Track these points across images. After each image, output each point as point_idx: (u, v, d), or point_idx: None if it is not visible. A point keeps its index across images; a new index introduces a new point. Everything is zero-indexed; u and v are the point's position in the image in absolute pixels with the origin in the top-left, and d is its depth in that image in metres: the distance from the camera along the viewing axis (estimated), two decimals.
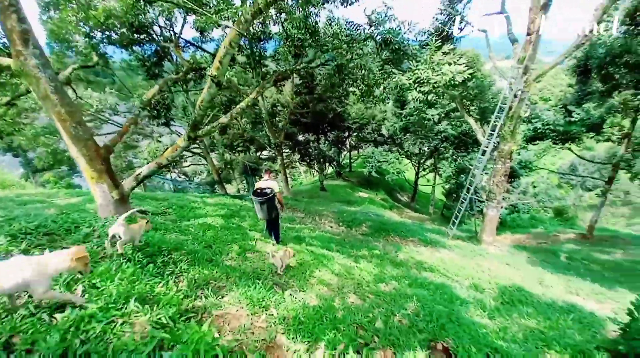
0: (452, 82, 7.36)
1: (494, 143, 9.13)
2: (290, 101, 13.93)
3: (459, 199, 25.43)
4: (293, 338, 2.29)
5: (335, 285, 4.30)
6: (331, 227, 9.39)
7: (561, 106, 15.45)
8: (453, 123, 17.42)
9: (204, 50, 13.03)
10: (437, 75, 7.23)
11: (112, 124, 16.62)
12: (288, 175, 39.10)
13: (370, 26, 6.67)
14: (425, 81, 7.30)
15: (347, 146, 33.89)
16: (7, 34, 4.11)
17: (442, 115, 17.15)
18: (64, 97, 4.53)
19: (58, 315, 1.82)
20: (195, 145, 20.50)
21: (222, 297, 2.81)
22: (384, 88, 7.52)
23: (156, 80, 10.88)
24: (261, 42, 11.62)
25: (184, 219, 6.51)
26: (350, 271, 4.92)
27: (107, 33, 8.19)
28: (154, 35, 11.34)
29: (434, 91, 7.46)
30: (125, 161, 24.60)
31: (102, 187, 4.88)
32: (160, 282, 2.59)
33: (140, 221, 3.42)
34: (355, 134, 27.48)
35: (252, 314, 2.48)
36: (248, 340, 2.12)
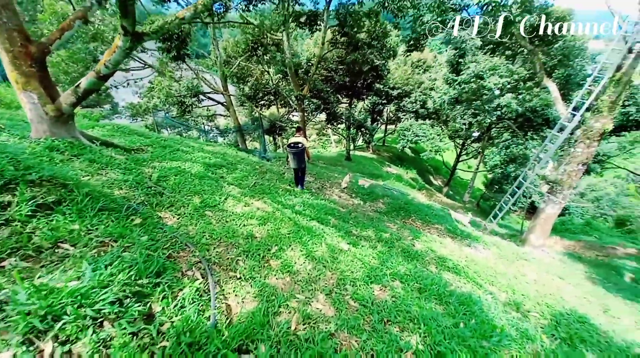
0: None
1: (579, 117, 6.56)
2: (321, 46, 11.83)
3: (501, 191, 22.30)
4: None
5: (305, 275, 2.89)
6: (339, 197, 7.88)
7: None
8: (520, 97, 14.02)
9: None
10: None
11: (136, 60, 15.83)
12: (316, 142, 37.37)
13: None
14: None
15: (384, 117, 30.93)
16: None
17: (508, 86, 13.83)
18: None
19: None
20: (222, 96, 19.45)
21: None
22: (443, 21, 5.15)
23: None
24: None
25: (155, 160, 5.41)
26: (337, 257, 3.46)
27: None
28: None
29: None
30: None
31: (30, 97, 3.75)
32: None
33: None
34: (394, 102, 24.55)
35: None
36: None
